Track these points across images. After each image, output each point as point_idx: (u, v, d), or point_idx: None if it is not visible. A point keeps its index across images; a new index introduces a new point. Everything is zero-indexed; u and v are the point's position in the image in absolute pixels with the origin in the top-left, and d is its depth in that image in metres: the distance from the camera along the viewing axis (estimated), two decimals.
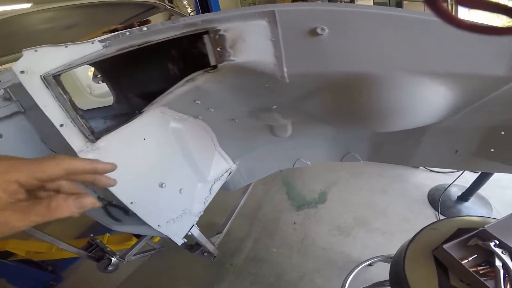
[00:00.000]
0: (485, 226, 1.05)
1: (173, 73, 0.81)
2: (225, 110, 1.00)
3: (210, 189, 1.36)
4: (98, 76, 2.20)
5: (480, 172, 2.15)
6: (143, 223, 1.15)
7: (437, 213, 2.28)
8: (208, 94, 0.83)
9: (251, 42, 0.62)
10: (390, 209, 2.42)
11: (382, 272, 1.86)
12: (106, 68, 0.94)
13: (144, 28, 0.76)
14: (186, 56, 0.76)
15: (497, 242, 1.00)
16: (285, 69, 0.63)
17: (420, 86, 0.64)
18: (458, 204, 2.30)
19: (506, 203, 2.32)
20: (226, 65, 0.66)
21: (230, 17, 0.63)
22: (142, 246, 1.87)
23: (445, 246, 0.99)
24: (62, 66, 0.70)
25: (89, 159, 0.50)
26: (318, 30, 0.56)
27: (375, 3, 5.52)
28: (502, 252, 0.97)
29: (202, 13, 3.50)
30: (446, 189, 2.37)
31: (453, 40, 0.56)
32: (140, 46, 0.70)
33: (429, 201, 2.42)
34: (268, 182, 2.93)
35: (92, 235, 1.62)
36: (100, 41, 0.79)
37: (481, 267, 0.97)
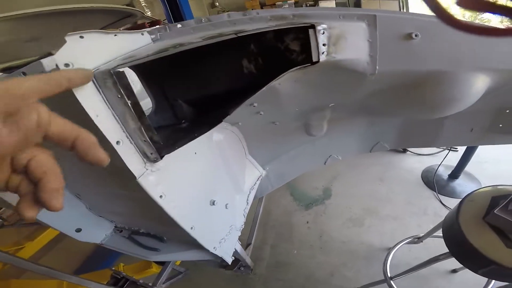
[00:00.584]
0: None
1: (248, 72, 0.75)
2: (275, 113, 1.00)
3: (247, 199, 1.36)
4: None
5: (464, 151, 2.39)
6: (188, 248, 1.11)
7: (435, 193, 2.48)
8: (276, 94, 0.81)
9: (351, 41, 0.66)
10: (392, 195, 2.58)
11: (405, 253, 2.00)
12: (147, 69, 0.78)
13: (204, 19, 0.70)
14: (270, 51, 0.71)
15: None
16: (377, 67, 0.69)
17: (477, 80, 0.75)
18: (451, 182, 2.53)
19: (488, 176, 2.61)
20: (327, 62, 0.66)
21: (329, 15, 0.65)
22: (169, 271, 1.81)
23: (496, 211, 1.10)
24: (116, 60, 0.57)
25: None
26: (413, 35, 0.64)
27: (336, 4, 5.87)
28: None
29: (174, 20, 3.49)
30: (437, 170, 2.59)
31: (507, 43, 0.68)
32: (238, 35, 0.61)
33: (424, 183, 2.62)
34: None
35: (113, 268, 1.55)
36: (149, 33, 0.70)
37: None
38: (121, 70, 0.51)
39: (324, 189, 2.79)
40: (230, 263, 1.22)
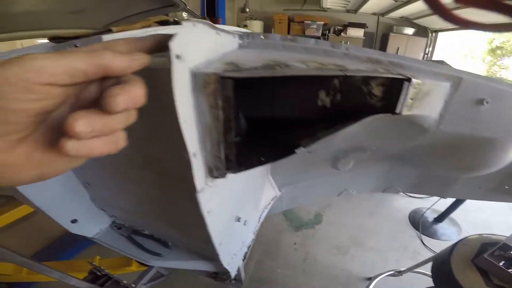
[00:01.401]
0: (504, 240, 1.32)
1: (322, 105, 0.68)
2: (319, 145, 0.99)
3: (260, 217, 1.35)
4: None
5: (454, 200, 2.51)
6: (196, 258, 1.09)
7: (418, 232, 2.57)
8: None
9: (431, 99, 0.66)
10: (378, 229, 2.66)
11: (386, 286, 2.05)
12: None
13: (289, 38, 0.66)
14: (354, 92, 0.65)
15: None
16: (441, 127, 0.71)
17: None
18: (434, 225, 2.64)
19: (469, 223, 2.76)
20: (406, 115, 0.64)
21: (424, 70, 0.64)
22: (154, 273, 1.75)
23: (485, 255, 1.23)
24: (215, 63, 0.50)
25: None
26: (484, 102, 0.66)
27: (365, 33, 6.08)
28: None
29: (207, 14, 3.36)
30: (424, 213, 2.69)
31: None
32: (346, 75, 0.56)
33: (410, 222, 2.72)
34: None
35: (94, 263, 1.41)
36: (240, 37, 0.65)
37: (510, 270, 1.20)
38: (230, 76, 0.45)
39: (316, 214, 2.83)
40: (233, 277, 1.20)
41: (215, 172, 0.58)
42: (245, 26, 6.24)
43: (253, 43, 0.68)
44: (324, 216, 2.81)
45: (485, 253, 1.25)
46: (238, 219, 1.01)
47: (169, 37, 0.36)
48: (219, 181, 0.63)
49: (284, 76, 0.52)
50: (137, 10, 2.17)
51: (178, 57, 0.39)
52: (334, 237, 2.57)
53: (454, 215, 2.71)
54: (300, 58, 0.62)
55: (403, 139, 0.82)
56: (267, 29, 6.58)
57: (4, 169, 0.25)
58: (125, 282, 1.45)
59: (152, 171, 0.74)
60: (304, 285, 2.17)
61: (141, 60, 0.30)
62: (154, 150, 0.65)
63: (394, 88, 0.60)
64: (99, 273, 1.38)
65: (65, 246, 2.19)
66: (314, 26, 6.25)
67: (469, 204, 2.88)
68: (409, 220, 2.74)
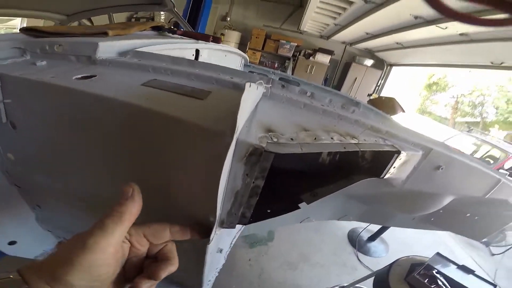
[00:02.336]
0: (427, 262, 1.65)
1: (321, 162, 0.81)
2: None
3: (231, 243, 1.42)
4: None
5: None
6: (167, 285, 1.12)
7: (355, 250, 2.91)
8: None
9: (406, 165, 0.81)
10: (322, 245, 2.93)
11: None
12: None
13: (308, 93, 0.77)
14: (349, 156, 0.79)
15: (437, 270, 1.59)
16: (405, 185, 0.90)
17: (448, 199, 1.05)
18: (368, 243, 3.01)
19: (396, 241, 3.22)
20: (387, 178, 0.79)
21: (409, 142, 0.79)
22: None
23: (415, 274, 1.52)
24: (255, 127, 0.53)
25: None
26: (440, 168, 0.85)
27: (330, 60, 6.45)
28: (440, 277, 1.55)
29: (188, 21, 3.29)
30: (360, 233, 3.06)
31: (474, 179, 0.99)
32: (345, 150, 0.64)
33: (349, 240, 3.06)
34: None
35: None
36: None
37: (433, 286, 1.49)
38: (273, 151, 0.47)
39: (268, 232, 2.97)
40: None
41: (226, 224, 0.61)
42: (222, 34, 6.26)
43: (275, 94, 0.74)
44: (276, 232, 2.98)
45: (414, 273, 1.54)
46: (220, 251, 1.07)
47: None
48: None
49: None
50: (122, 2, 2.05)
51: (236, 130, 0.39)
52: (285, 253, 2.74)
53: (384, 234, 3.13)
54: (322, 124, 0.71)
55: (370, 190, 1.00)
56: (244, 41, 6.70)
57: None
58: None
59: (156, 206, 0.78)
60: None
61: None
62: (172, 199, 0.64)
63: (386, 158, 0.75)
64: None
65: None
66: (288, 47, 6.55)
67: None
68: (348, 238, 3.08)
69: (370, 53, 6.77)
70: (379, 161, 0.76)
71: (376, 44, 5.85)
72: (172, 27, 1.48)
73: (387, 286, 1.54)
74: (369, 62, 6.66)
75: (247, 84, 0.47)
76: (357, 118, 0.80)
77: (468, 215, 1.53)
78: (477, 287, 1.58)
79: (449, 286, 1.50)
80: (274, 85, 0.77)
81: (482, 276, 1.66)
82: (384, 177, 0.79)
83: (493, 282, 1.63)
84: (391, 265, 1.67)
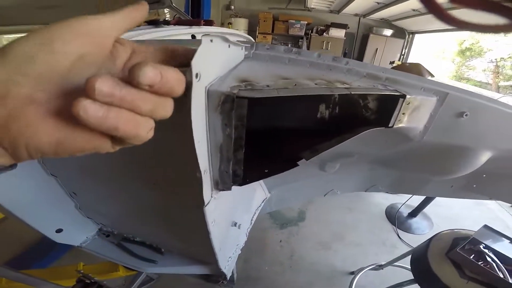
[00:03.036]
0: (473, 235, 1.44)
1: (320, 117, 0.67)
2: None
3: (252, 219, 1.38)
4: None
5: (425, 196, 2.67)
6: (189, 262, 1.11)
7: (394, 227, 2.71)
8: None
9: (419, 112, 0.70)
10: (358, 224, 2.78)
11: (368, 279, 2.15)
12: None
13: (294, 50, 0.68)
14: (351, 106, 0.67)
15: (484, 245, 1.38)
16: (424, 137, 0.77)
17: (485, 155, 0.88)
18: (409, 220, 2.79)
19: (440, 217, 2.95)
20: (397, 128, 0.69)
21: (416, 86, 0.68)
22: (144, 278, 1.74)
23: (458, 249, 1.33)
24: (226, 79, 0.50)
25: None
26: (464, 115, 0.72)
27: (346, 34, 6.19)
28: (489, 252, 1.35)
29: (192, 17, 3.35)
30: (399, 208, 2.84)
31: None
32: (352, 93, 0.59)
33: (387, 217, 2.86)
34: None
35: (81, 271, 1.37)
36: (245, 48, 0.65)
37: (480, 262, 1.31)
38: (245, 96, 0.46)
39: (299, 212, 2.90)
40: (228, 278, 1.21)
41: (221, 185, 0.60)
42: (229, 23, 6.19)
43: (258, 54, 0.69)
44: (307, 213, 2.89)
45: (457, 247, 1.35)
46: (234, 224, 1.03)
47: (193, 53, 0.35)
48: (222, 192, 0.64)
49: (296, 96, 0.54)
50: (120, 4, 2.10)
51: (197, 75, 0.38)
52: (317, 233, 2.65)
53: (426, 210, 2.88)
54: (307, 74, 0.64)
55: (388, 147, 0.88)
56: (252, 27, 6.55)
57: (20, 124, 0.23)
58: None
59: (156, 183, 0.74)
60: (291, 281, 2.21)
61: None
62: (162, 165, 0.65)
63: (389, 103, 0.64)
64: (88, 281, 1.32)
65: (41, 253, 2.08)
66: (298, 26, 6.32)
67: (440, 200, 3.07)
68: (386, 215, 2.88)
69: (387, 23, 6.47)
70: (383, 108, 0.64)
71: (391, 13, 5.59)
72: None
73: (426, 263, 1.37)
74: (388, 32, 6.41)
75: (205, 38, 0.42)
76: (351, 68, 0.69)
77: None
78: None
79: (499, 263, 1.29)
80: (258, 47, 0.71)
81: None
82: (394, 127, 0.67)
83: None
84: (430, 239, 1.50)
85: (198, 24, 1.51)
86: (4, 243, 1.96)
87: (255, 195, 1.35)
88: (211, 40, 0.43)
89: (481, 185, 1.42)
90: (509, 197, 1.43)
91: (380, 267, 2.00)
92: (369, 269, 2.03)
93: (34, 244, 2.07)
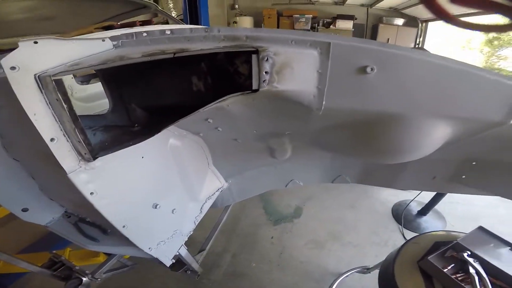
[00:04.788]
0: (458, 240, 1.16)
1: (197, 90, 0.72)
2: (234, 131, 0.95)
3: (201, 208, 1.30)
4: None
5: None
6: (126, 244, 1.07)
7: (400, 227, 2.42)
8: (227, 115, 0.75)
9: (297, 71, 0.58)
10: (359, 223, 2.52)
11: (356, 282, 1.94)
12: (108, 72, 0.82)
13: (168, 32, 0.67)
14: (219, 72, 0.67)
15: (469, 253, 1.10)
16: (324, 103, 0.61)
17: (434, 128, 0.68)
18: (418, 218, 2.47)
19: (456, 216, 2.56)
20: (268, 91, 0.60)
21: (281, 38, 0.57)
22: (114, 263, 1.73)
23: (429, 258, 1.07)
24: (63, 66, 0.59)
25: None
26: (368, 69, 0.56)
27: (354, 25, 5.99)
28: (473, 261, 1.07)
29: (190, 18, 3.45)
30: (407, 205, 2.54)
31: (469, 89, 0.62)
32: (176, 56, 0.60)
33: (393, 216, 2.56)
34: None
35: (53, 251, 1.46)
36: (112, 39, 0.69)
37: (459, 274, 1.06)
38: (59, 77, 0.55)
39: (296, 208, 2.73)
40: (168, 266, 1.17)
41: (84, 155, 0.64)
42: (234, 22, 6.20)
43: (128, 42, 0.69)
44: (304, 209, 2.70)
45: (430, 255, 1.10)
46: (156, 206, 0.98)
47: None
48: (98, 164, 0.67)
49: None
50: (111, 14, 2.20)
51: (13, 68, 0.51)
52: (313, 231, 2.46)
53: (441, 208, 2.53)
54: (151, 49, 0.64)
55: (297, 120, 0.72)
56: (257, 24, 6.47)
57: None
58: (77, 268, 1.46)
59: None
60: (277, 280, 2.08)
61: None
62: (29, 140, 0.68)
63: (241, 63, 0.56)
64: (56, 260, 1.42)
65: (47, 244, 2.20)
66: (303, 20, 6.16)
67: (458, 196, 2.69)
68: (392, 214, 2.58)
69: (397, 12, 6.11)
70: (236, 69, 0.55)
71: (400, 1, 5.37)
72: None
73: (391, 272, 1.12)
74: (399, 21, 6.04)
75: (26, 42, 0.53)
76: (207, 34, 0.61)
77: None
78: None
79: (484, 275, 1.01)
80: (128, 36, 0.71)
81: None
82: (262, 89, 0.54)
83: None
84: (405, 242, 1.25)
85: (133, 25, 1.51)
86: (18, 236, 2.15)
87: (206, 183, 1.26)
88: (36, 42, 0.54)
89: (472, 176, 1.17)
90: (508, 191, 1.16)
91: (367, 270, 1.76)
92: (355, 272, 1.81)
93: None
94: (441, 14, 0.30)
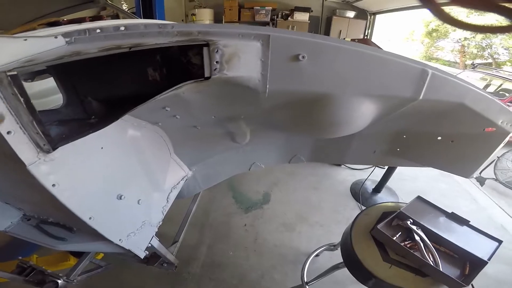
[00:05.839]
0: (401, 209, 1.29)
1: (152, 79, 0.76)
2: (193, 118, 1.00)
3: (167, 197, 1.33)
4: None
5: (386, 169, 2.61)
6: (96, 239, 1.08)
7: (359, 204, 2.66)
8: (184, 102, 0.82)
9: (244, 60, 0.68)
10: (322, 204, 2.72)
11: (327, 259, 2.10)
12: (61, 67, 0.79)
13: (122, 28, 0.70)
14: (173, 63, 0.72)
15: (412, 221, 1.23)
16: (267, 86, 0.73)
17: (360, 104, 0.83)
18: (373, 196, 2.73)
19: (406, 191, 2.88)
20: (219, 78, 0.68)
21: (229, 33, 0.66)
22: (86, 264, 1.71)
23: (378, 226, 1.17)
24: (16, 62, 0.60)
25: None
26: (300, 57, 0.68)
27: (310, 17, 6.23)
28: (417, 228, 1.19)
29: (143, 11, 3.29)
30: (363, 184, 2.79)
31: (383, 71, 0.77)
32: (131, 50, 0.63)
33: (352, 194, 2.80)
34: (213, 188, 2.91)
35: (20, 257, 1.42)
36: (64, 36, 0.71)
37: (407, 242, 1.16)
38: (15, 73, 0.56)
39: (264, 194, 2.85)
40: (142, 257, 1.19)
41: (43, 147, 0.64)
42: (193, 15, 6.06)
43: (82, 38, 0.72)
44: (272, 195, 2.84)
45: (379, 224, 1.19)
46: (120, 197, 1.00)
47: None
48: (57, 155, 0.68)
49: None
50: (56, 8, 2.10)
51: None
52: (282, 215, 2.60)
53: (392, 185, 2.81)
54: (110, 44, 0.67)
55: (247, 103, 0.84)
56: (218, 16, 6.44)
57: None
58: (49, 271, 1.44)
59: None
60: (256, 265, 2.17)
61: None
62: None
63: (194, 55, 0.64)
64: (25, 266, 1.38)
65: (12, 252, 2.08)
66: (263, 12, 6.34)
67: (405, 173, 3.02)
68: (351, 193, 2.82)
69: (349, 5, 6.56)
70: (196, 60, 0.63)
71: None
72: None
73: (349, 243, 1.19)
74: (350, 13, 6.51)
75: None
76: (162, 30, 0.68)
77: (439, 138, 1.25)
78: (470, 242, 1.14)
79: (428, 241, 1.12)
80: (81, 33, 0.74)
81: (482, 230, 1.23)
82: (214, 76, 0.64)
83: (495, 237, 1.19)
84: (358, 214, 1.36)
85: (83, 21, 1.50)
86: None
87: (169, 172, 1.30)
88: None
89: (404, 148, 1.36)
90: (438, 162, 1.36)
91: (334, 247, 1.93)
92: (323, 250, 1.96)
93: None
94: (442, 15, 0.29)
